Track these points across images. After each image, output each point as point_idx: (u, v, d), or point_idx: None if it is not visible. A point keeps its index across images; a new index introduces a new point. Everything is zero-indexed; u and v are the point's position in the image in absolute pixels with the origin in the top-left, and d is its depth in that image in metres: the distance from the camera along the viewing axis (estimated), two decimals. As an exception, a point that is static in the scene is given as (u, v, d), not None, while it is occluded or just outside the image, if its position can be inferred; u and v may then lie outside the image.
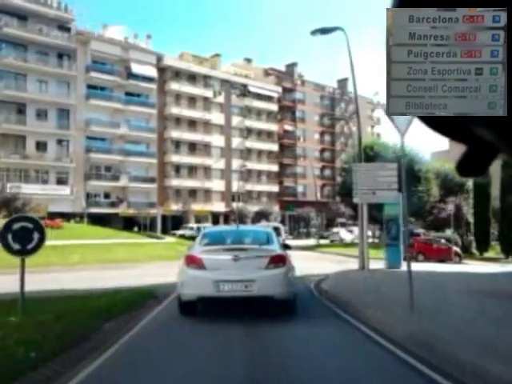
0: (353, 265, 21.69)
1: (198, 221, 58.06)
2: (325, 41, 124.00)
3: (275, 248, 8.22)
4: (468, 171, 0.57)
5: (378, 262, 18.89)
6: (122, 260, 18.43)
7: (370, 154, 46.90)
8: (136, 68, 53.60)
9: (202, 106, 59.75)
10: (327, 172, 73.80)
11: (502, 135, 0.48)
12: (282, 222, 64.01)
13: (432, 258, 27.06)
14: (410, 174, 23.16)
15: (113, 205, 51.91)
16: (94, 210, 48.29)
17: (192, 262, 7.86)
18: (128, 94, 54.07)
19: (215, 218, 59.83)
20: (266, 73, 69.82)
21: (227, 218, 59.53)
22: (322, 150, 73.36)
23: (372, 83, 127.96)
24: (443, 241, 29.89)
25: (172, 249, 24.41)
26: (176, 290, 8.43)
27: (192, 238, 18.23)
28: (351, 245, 42.75)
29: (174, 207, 54.29)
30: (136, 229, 48.35)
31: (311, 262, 24.68)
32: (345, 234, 56.86)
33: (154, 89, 55.76)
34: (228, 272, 7.58)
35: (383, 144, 49.52)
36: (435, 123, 0.52)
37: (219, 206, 59.69)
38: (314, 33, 17.18)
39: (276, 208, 63.63)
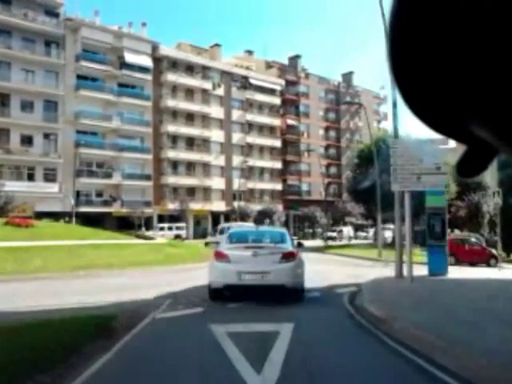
0: (375, 270, 18.23)
1: (197, 221, 54.50)
2: (328, 33, 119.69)
3: (287, 246, 9.94)
4: (468, 171, 0.57)
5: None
6: (94, 266, 14.84)
7: (381, 148, 43.49)
8: (130, 57, 50.07)
9: (201, 99, 56.20)
10: (333, 170, 70.25)
11: (501, 135, 0.47)
12: (286, 222, 60.57)
13: (464, 260, 23.52)
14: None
15: (106, 204, 48.32)
16: (85, 210, 44.73)
17: (220, 256, 9.57)
18: (121, 85, 50.51)
19: (215, 217, 56.26)
20: (268, 65, 66.30)
21: (228, 217, 55.94)
22: (327, 147, 69.81)
23: (378, 77, 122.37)
24: (474, 239, 26.38)
25: (160, 252, 20.79)
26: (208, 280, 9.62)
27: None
28: (358, 246, 39.31)
29: (171, 206, 50.70)
30: (134, 229, 44.88)
31: (327, 266, 21.24)
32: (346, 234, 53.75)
33: (149, 80, 52.24)
34: (248, 265, 9.20)
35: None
36: (434, 122, 0.51)
37: (219, 205, 56.12)
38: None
39: (279, 207, 60.10)
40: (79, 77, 47.35)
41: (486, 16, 0.41)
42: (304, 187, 65.96)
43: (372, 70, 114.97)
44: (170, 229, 46.13)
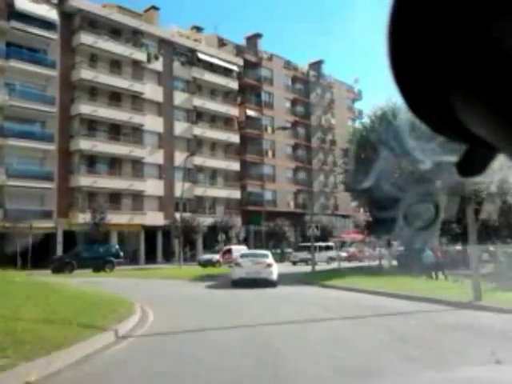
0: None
1: (121, 240, 39.03)
2: (297, 16, 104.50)
3: (269, 260, 19.15)
4: (468, 171, 0.57)
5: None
6: None
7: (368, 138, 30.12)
8: (23, 4, 34.90)
9: (131, 73, 41.46)
10: (301, 175, 56.83)
11: (501, 135, 0.47)
12: (246, 239, 46.18)
13: None
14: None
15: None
16: None
17: (236, 264, 19.47)
18: (11, 44, 35.16)
19: (150, 234, 41.05)
20: (222, 43, 52.58)
21: (168, 234, 40.93)
22: (296, 146, 56.44)
23: (352, 68, 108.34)
24: None
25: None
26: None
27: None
28: (364, 270, 25.27)
29: (85, 219, 35.19)
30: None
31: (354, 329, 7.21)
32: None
33: (55, 41, 37.14)
34: (250, 268, 18.41)
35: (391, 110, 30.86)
36: (435, 122, 0.51)
37: (156, 218, 40.98)
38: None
39: (238, 221, 45.69)
40: None
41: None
42: (268, 196, 52.00)
43: (344, 59, 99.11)
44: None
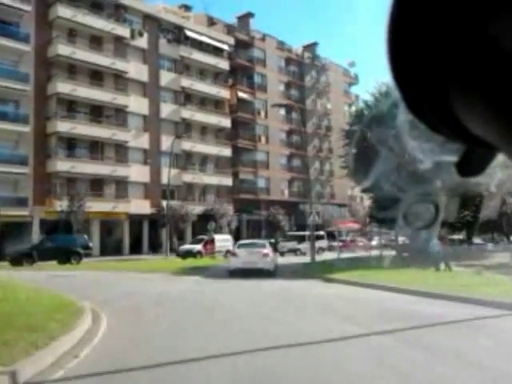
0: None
1: (105, 229, 36.36)
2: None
3: (266, 249, 18.90)
4: (468, 171, 0.58)
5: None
6: None
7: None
8: (-8, -29, 31.82)
9: (113, 50, 38.47)
10: (296, 162, 54.21)
11: (500, 134, 0.47)
12: (238, 229, 43.68)
13: None
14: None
15: None
16: None
17: (233, 254, 19.40)
18: (-21, 15, 32.12)
19: (135, 223, 38.38)
20: (211, 22, 49.61)
21: (154, 224, 38.25)
22: (290, 132, 53.75)
23: (348, 51, 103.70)
24: None
25: None
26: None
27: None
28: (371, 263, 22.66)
29: (61, 206, 32.40)
30: None
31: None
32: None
33: (29, 13, 34.07)
34: (247, 258, 18.09)
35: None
36: (435, 121, 0.51)
37: (142, 206, 38.24)
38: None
39: (229, 209, 43.05)
40: None
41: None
42: (261, 183, 49.37)
43: (339, 44, 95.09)
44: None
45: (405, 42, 0.45)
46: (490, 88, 0.43)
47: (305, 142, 55.53)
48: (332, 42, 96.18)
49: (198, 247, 31.90)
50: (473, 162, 0.56)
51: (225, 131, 46.23)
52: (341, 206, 57.03)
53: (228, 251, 26.67)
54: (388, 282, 13.65)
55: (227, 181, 45.15)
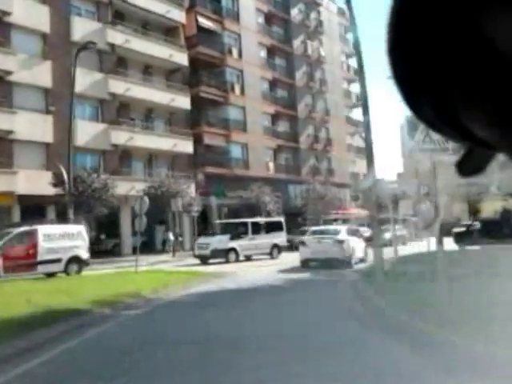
0: None
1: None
2: None
3: (340, 236, 17.19)
4: (468, 171, 0.58)
5: None
6: None
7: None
8: None
9: None
10: (283, 124, 39.52)
11: (501, 134, 0.47)
12: (204, 216, 28.88)
13: None
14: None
15: None
16: None
17: (302, 243, 17.63)
18: None
19: (31, 210, 22.80)
20: None
21: (64, 214, 22.57)
22: (274, 84, 38.90)
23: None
24: None
25: None
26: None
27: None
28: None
29: None
30: None
31: None
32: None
33: None
34: (316, 247, 16.94)
35: None
36: (434, 120, 0.51)
37: (39, 181, 22.66)
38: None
39: (191, 189, 27.96)
40: None
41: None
42: (236, 152, 34.47)
43: None
44: None
45: (404, 42, 0.45)
46: (489, 88, 0.44)
47: (293, 98, 40.88)
48: None
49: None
50: (473, 162, 0.56)
51: (180, 72, 31.02)
52: (340, 186, 42.48)
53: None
54: None
55: (186, 146, 29.99)
